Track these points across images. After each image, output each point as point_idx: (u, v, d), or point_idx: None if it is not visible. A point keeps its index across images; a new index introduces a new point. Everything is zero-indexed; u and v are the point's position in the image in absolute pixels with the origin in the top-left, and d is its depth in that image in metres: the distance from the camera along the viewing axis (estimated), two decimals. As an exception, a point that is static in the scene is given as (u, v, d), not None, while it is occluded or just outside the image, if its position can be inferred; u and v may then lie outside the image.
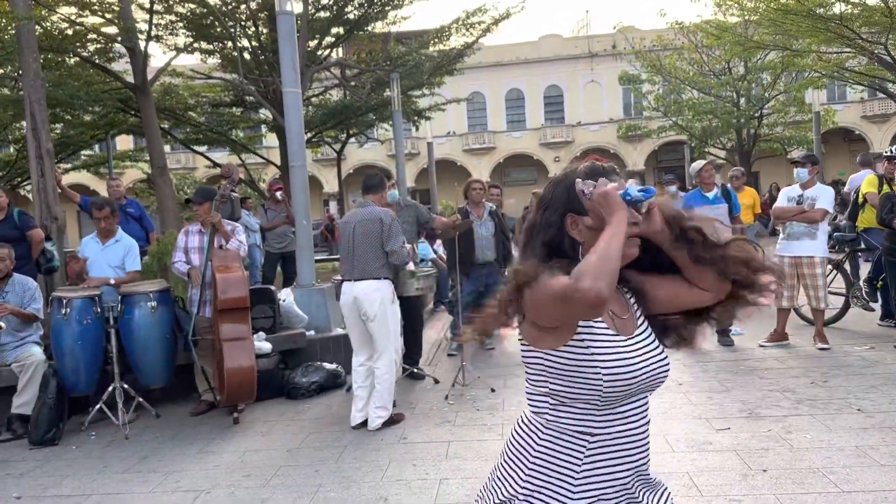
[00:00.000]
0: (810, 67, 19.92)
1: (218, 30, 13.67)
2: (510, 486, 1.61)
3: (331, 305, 6.86)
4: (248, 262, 10.18)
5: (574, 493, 1.55)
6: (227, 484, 4.11)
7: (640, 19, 76.22)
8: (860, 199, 7.49)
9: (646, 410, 1.63)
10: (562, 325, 1.53)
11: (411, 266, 5.99)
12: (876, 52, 16.95)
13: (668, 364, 1.63)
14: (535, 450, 1.59)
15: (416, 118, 17.93)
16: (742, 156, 24.91)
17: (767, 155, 26.37)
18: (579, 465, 1.56)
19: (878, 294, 7.23)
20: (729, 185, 7.50)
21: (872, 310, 7.28)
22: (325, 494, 3.84)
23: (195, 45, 14.46)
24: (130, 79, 12.63)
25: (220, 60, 15.85)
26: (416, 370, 6.29)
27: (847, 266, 7.63)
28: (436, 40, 16.02)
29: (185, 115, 16.09)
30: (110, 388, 5.31)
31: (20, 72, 9.01)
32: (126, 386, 5.39)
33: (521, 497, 1.58)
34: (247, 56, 14.89)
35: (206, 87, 17.10)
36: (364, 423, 4.91)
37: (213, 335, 5.25)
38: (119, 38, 12.30)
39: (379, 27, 15.38)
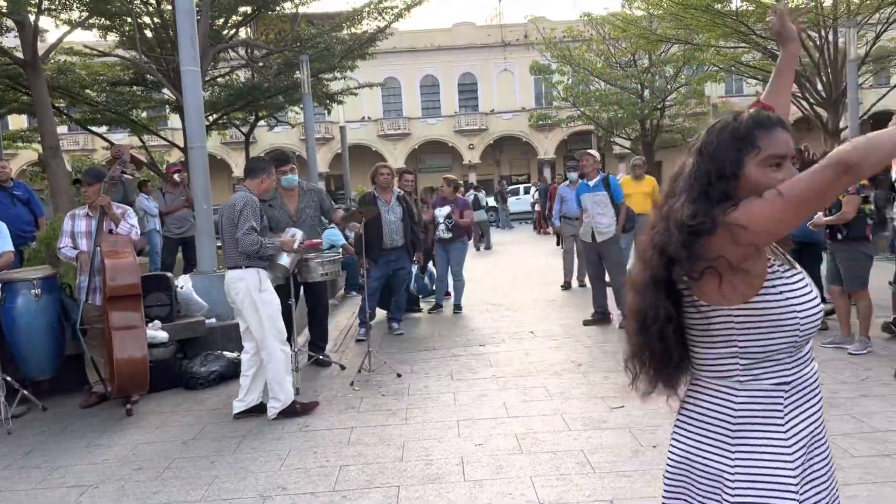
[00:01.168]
0: (709, 61, 20.79)
1: (117, 4, 12.99)
2: (721, 463, 1.52)
3: (233, 292, 6.68)
4: (148, 247, 9.79)
5: (788, 447, 1.50)
6: (117, 478, 3.94)
7: (552, 10, 77.54)
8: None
9: (811, 354, 1.60)
10: (752, 266, 1.47)
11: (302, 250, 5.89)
12: (769, 47, 17.85)
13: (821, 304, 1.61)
14: (734, 417, 1.52)
15: (327, 102, 17.65)
16: (645, 146, 25.79)
17: (669, 145, 27.41)
18: (783, 418, 1.51)
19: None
20: (612, 175, 7.80)
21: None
22: (220, 485, 3.74)
23: (91, 20, 13.68)
24: (20, 54, 11.83)
25: (119, 37, 15.09)
26: (321, 357, 6.20)
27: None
28: (348, 23, 15.78)
29: (82, 94, 15.26)
30: (-10, 381, 4.98)
31: None
32: (9, 378, 5.07)
33: (737, 471, 1.50)
34: (148, 33, 14.24)
35: (105, 65, 16.27)
36: (245, 412, 4.83)
37: (103, 324, 5.01)
38: (5, 11, 11.50)
39: (288, 7, 14.99)
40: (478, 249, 17.06)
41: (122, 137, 20.07)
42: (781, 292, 1.49)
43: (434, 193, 9.65)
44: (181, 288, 6.19)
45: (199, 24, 9.79)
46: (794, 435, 1.51)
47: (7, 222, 5.52)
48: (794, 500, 1.47)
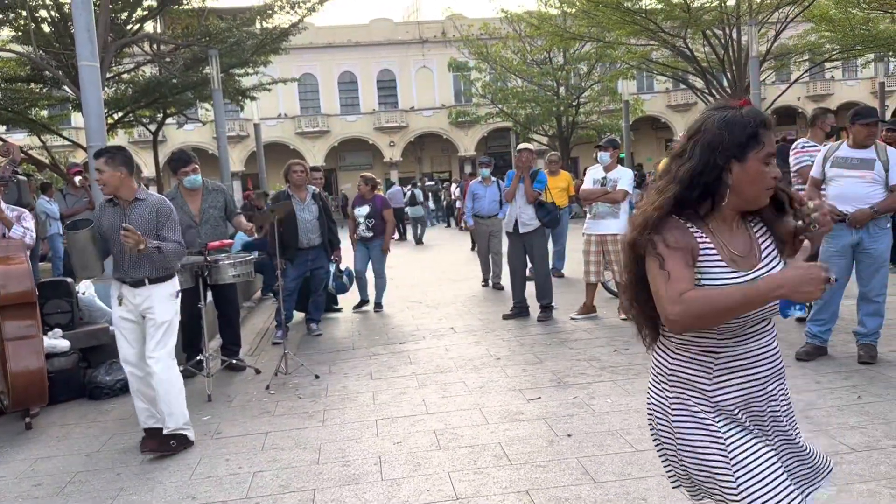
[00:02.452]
0: (620, 59, 21.41)
1: (9, -3, 12.28)
2: (659, 392, 1.89)
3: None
4: (51, 252, 9.30)
5: (709, 397, 1.79)
6: (14, 496, 3.71)
7: (469, 7, 78.11)
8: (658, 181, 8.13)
9: (767, 339, 1.82)
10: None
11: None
12: (677, 45, 18.54)
13: None
14: (669, 368, 1.86)
15: (240, 98, 17.19)
16: (562, 142, 26.36)
17: (585, 141, 28.10)
18: (710, 378, 1.79)
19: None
20: (542, 169, 7.85)
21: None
22: (126, 498, 3.57)
23: (-19, 13, 12.89)
24: None
25: (13, 32, 14.24)
26: (234, 361, 6.03)
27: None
28: (259, 17, 15.42)
29: (-27, 91, 14.33)
30: None
31: None
32: None
33: (671, 398, 1.84)
34: (45, 27, 13.51)
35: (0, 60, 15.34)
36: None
37: (-5, 333, 4.71)
38: None
39: (196, 1, 14.52)
40: (419, 243, 18.31)
41: (21, 138, 19.00)
42: (701, 283, 1.74)
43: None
44: (83, 294, 5.89)
45: (98, 17, 9.35)
46: (720, 392, 1.78)
47: None
48: (716, 440, 1.76)
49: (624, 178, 6.83)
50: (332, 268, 7.89)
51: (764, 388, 1.81)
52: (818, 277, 1.55)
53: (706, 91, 19.64)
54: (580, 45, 23.46)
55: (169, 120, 18.75)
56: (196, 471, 3.87)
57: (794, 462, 1.86)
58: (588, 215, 7.08)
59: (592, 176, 7.00)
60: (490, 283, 9.57)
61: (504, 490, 3.34)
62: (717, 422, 1.77)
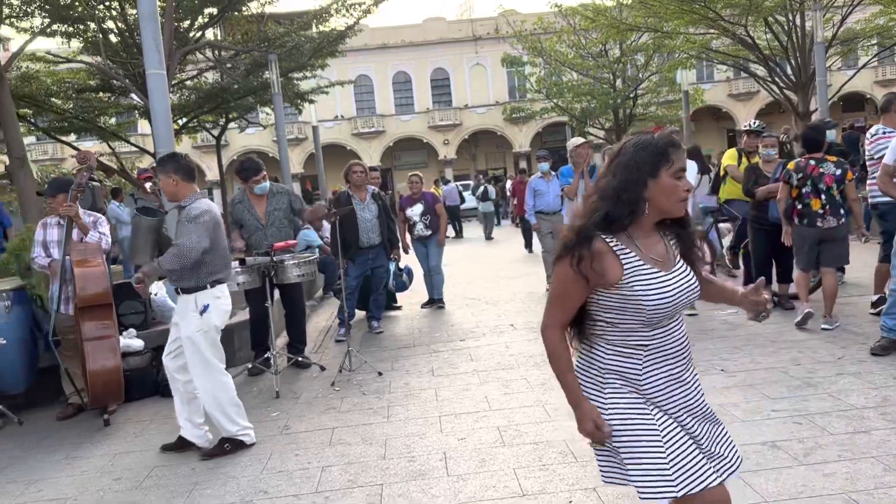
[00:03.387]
0: (679, 49, 20.92)
1: (79, 10, 12.76)
2: (592, 384, 2.08)
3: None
4: (122, 255, 9.67)
5: (641, 386, 2.03)
6: (96, 489, 3.89)
7: (522, 2, 77.65)
8: (721, 173, 7.94)
9: (680, 330, 2.10)
10: (605, 272, 2.00)
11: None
12: (738, 33, 18.01)
13: (697, 286, 2.10)
14: (603, 364, 2.06)
15: (298, 101, 17.50)
16: (619, 135, 25.90)
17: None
18: (640, 369, 2.03)
19: (741, 261, 7.71)
20: (598, 164, 7.73)
21: (735, 276, 7.76)
22: (201, 492, 3.69)
23: (53, 27, 13.44)
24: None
25: (83, 44, 14.83)
26: (300, 359, 6.16)
27: (712, 235, 8.09)
28: (316, 21, 15.66)
29: (48, 102, 14.98)
30: (-37, 398, 4.89)
31: None
32: (-19, 394, 4.98)
33: (606, 389, 2.05)
34: (113, 38, 14.02)
35: (70, 72, 15.98)
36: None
37: (76, 334, 4.93)
38: (-36, 20, 11.27)
39: (254, 7, 14.84)
40: (489, 238, 19.01)
41: (91, 145, 19.79)
42: (633, 287, 1.97)
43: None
44: (155, 295, 6.10)
45: (163, 26, 9.65)
46: (650, 382, 2.03)
47: (-26, 235, 5.44)
48: (645, 421, 2.00)
49: (688, 171, 6.68)
50: (392, 266, 7.97)
51: (682, 376, 2.08)
52: (587, 431, 2.00)
53: (769, 79, 19.02)
54: (637, 36, 22.98)
55: (231, 124, 19.22)
56: (267, 465, 3.96)
57: (707, 442, 2.08)
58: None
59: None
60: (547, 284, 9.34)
61: (571, 487, 3.32)
62: (650, 409, 2.02)
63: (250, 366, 6.01)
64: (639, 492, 1.99)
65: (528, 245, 14.23)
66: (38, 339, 5.35)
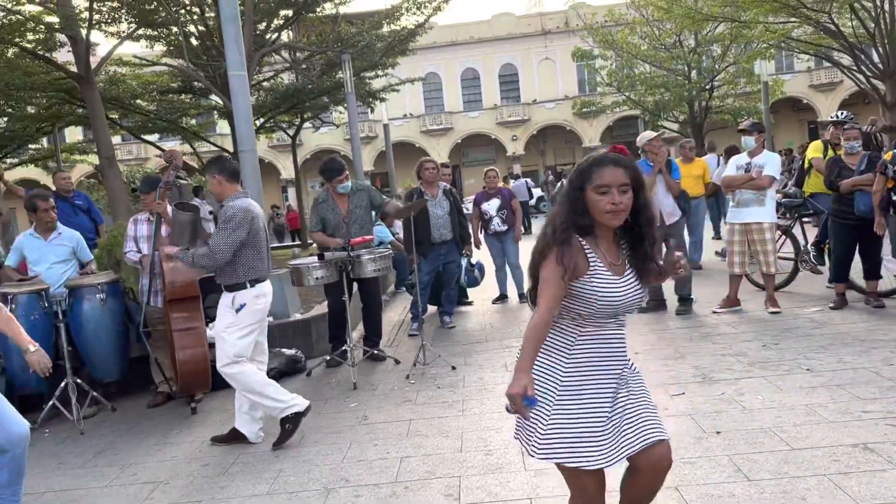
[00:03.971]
0: (758, 38, 20.24)
1: (162, 15, 13.31)
2: (555, 361, 2.35)
3: (288, 292, 6.80)
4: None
5: (565, 366, 2.32)
6: (186, 474, 4.06)
7: (593, -5, 76.53)
8: (806, 165, 7.65)
9: (622, 327, 2.37)
10: (576, 266, 2.27)
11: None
12: (821, 21, 17.28)
13: (642, 295, 2.37)
14: (549, 336, 2.34)
15: (370, 100, 17.78)
16: (694, 128, 25.29)
17: (719, 126, 26.81)
18: (570, 351, 2.32)
19: (826, 257, 7.41)
20: (672, 158, 7.56)
21: (820, 272, 7.46)
22: (285, 479, 3.81)
23: (139, 31, 14.06)
24: (74, 68, 12.24)
25: (166, 47, 15.46)
26: (376, 352, 6.27)
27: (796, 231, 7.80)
28: (387, 20, 15.86)
29: (133, 104, 15.70)
30: (63, 384, 5.18)
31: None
32: (79, 381, 5.26)
33: (538, 362, 2.33)
34: (194, 41, 14.56)
35: (154, 75, 16.70)
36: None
37: (165, 325, 5.16)
38: (59, 26, 11.90)
39: (328, 8, 15.15)
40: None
41: (174, 145, 20.60)
42: (593, 284, 2.26)
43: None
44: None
45: (243, 28, 9.96)
46: (575, 366, 2.31)
47: (70, 231, 5.76)
48: (556, 389, 2.29)
49: (771, 162, 6.47)
50: (464, 262, 8.01)
51: (609, 364, 2.33)
52: (511, 393, 2.12)
53: (854, 68, 18.17)
54: (713, 26, 22.40)
55: (305, 124, 19.67)
56: (347, 454, 4.06)
57: (624, 424, 2.30)
58: (731, 203, 6.76)
59: (736, 162, 6.68)
60: None
61: (652, 485, 3.27)
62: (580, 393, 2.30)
63: (328, 358, 6.16)
64: (536, 453, 2.29)
65: None
66: (129, 331, 5.61)
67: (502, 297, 8.59)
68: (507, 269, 8.50)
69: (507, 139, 40.56)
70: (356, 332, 6.72)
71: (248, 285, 4.28)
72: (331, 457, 4.06)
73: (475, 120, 41.07)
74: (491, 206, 8.35)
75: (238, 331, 4.25)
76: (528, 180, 25.63)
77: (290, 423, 4.30)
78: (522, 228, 9.71)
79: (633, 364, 2.43)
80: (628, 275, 2.33)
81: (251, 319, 4.29)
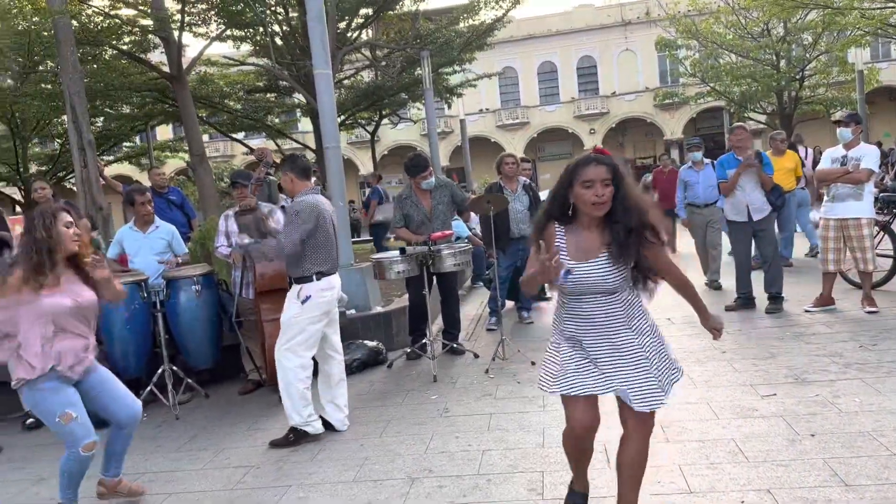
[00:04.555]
0: (853, 25, 19.22)
1: (249, 16, 13.75)
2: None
3: (369, 284, 6.93)
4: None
5: (564, 321, 2.81)
6: (276, 459, 4.21)
7: (674, -16, 74.27)
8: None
9: (601, 304, 2.71)
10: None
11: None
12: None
13: (607, 281, 2.66)
14: (557, 309, 2.88)
15: (447, 95, 17.86)
16: (783, 119, 24.25)
17: (810, 118, 25.62)
18: (560, 318, 2.84)
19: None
20: (762, 150, 7.26)
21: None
22: (370, 467, 3.91)
23: (227, 32, 14.58)
24: (166, 69, 12.81)
25: (252, 47, 15.96)
26: (455, 345, 6.32)
27: (895, 227, 7.40)
28: (465, 15, 15.89)
29: (222, 103, 16.28)
30: (160, 371, 5.45)
31: (59, 66, 9.20)
32: (175, 368, 5.53)
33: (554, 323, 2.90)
34: (278, 41, 14.98)
35: (241, 74, 17.27)
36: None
37: (256, 316, 5.36)
38: (153, 29, 12.47)
39: (407, 5, 15.31)
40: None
41: (259, 142, 21.28)
42: (569, 270, 2.66)
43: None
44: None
45: (327, 28, 10.18)
46: (565, 326, 2.80)
47: (163, 225, 6.06)
48: (553, 346, 2.84)
49: (868, 155, 6.16)
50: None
51: (592, 328, 2.73)
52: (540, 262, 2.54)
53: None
54: (803, 13, 21.41)
55: (383, 121, 19.95)
56: (430, 446, 4.12)
57: (615, 367, 2.71)
58: (826, 198, 6.47)
59: (831, 155, 6.39)
60: (707, 281, 8.35)
61: (742, 487, 3.19)
62: (561, 340, 2.82)
63: (408, 350, 6.25)
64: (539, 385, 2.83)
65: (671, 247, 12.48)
66: (222, 321, 5.85)
67: None
68: None
69: (584, 133, 39.95)
70: (435, 326, 6.79)
71: (315, 278, 4.42)
72: (414, 447, 4.13)
73: (552, 114, 40.63)
74: None
75: (302, 321, 4.40)
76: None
77: (295, 436, 4.43)
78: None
79: (647, 339, 2.76)
80: (597, 261, 2.65)
81: (316, 311, 4.42)
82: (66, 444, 3.40)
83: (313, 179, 9.67)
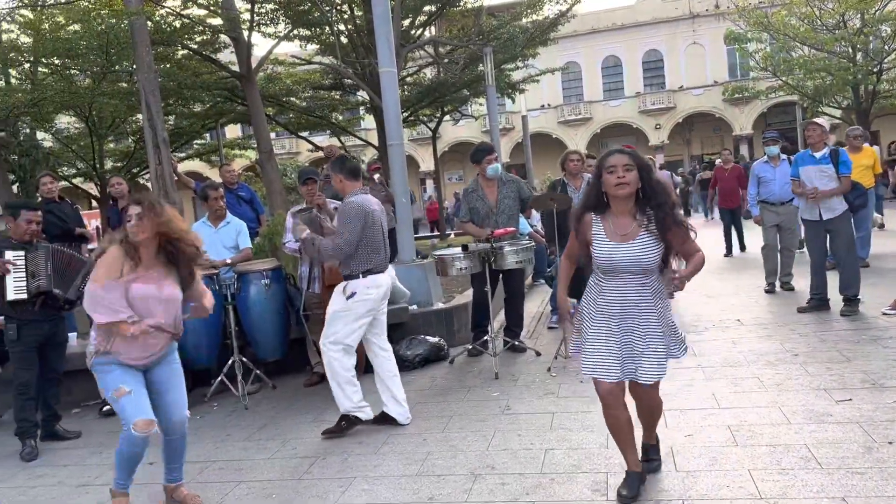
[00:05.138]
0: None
1: (315, 15, 14.00)
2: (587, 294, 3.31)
3: (431, 280, 6.98)
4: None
5: (597, 301, 3.20)
6: (341, 451, 4.30)
7: (745, -25, 72.01)
8: None
9: (634, 286, 3.11)
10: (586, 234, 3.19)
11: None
12: None
13: (644, 261, 3.06)
14: (589, 284, 3.28)
15: (510, 91, 17.79)
16: (860, 114, 23.26)
17: (888, 112, 24.50)
18: (599, 292, 3.19)
19: None
20: (839, 146, 6.96)
21: None
22: (433, 462, 3.95)
23: (294, 31, 14.88)
24: (236, 68, 13.16)
25: (318, 46, 16.24)
26: (517, 343, 6.31)
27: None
28: (528, 11, 15.80)
29: (288, 101, 16.63)
30: (230, 362, 5.63)
31: (135, 66, 9.56)
32: (245, 359, 5.70)
33: (584, 303, 3.29)
34: (343, 40, 15.21)
35: (307, 73, 17.60)
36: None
37: (322, 310, 5.45)
38: (223, 29, 12.82)
39: (471, 1, 15.31)
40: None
41: (323, 139, 21.64)
42: (596, 248, 3.12)
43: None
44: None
45: (392, 26, 10.28)
46: (602, 302, 3.17)
47: (233, 220, 6.23)
48: (592, 326, 3.21)
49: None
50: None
51: (625, 308, 3.13)
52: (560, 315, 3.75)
53: None
54: (882, 4, 20.49)
55: (445, 117, 20.01)
56: (492, 443, 4.14)
57: (627, 355, 3.15)
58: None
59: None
60: (777, 284, 8.02)
61: (815, 494, 3.10)
62: (598, 320, 3.19)
63: (470, 347, 6.28)
64: (581, 369, 3.25)
65: (728, 250, 11.50)
66: (290, 314, 5.99)
67: None
68: None
69: (649, 128, 39.19)
70: (496, 323, 6.79)
71: (361, 276, 4.53)
72: (476, 444, 4.15)
73: (616, 109, 40.00)
74: None
75: (347, 316, 4.49)
76: (672, 173, 24.64)
77: (347, 423, 4.55)
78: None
79: (664, 326, 3.14)
80: (634, 243, 3.05)
81: (361, 308, 4.51)
82: (122, 423, 3.45)
83: (377, 176, 9.85)
